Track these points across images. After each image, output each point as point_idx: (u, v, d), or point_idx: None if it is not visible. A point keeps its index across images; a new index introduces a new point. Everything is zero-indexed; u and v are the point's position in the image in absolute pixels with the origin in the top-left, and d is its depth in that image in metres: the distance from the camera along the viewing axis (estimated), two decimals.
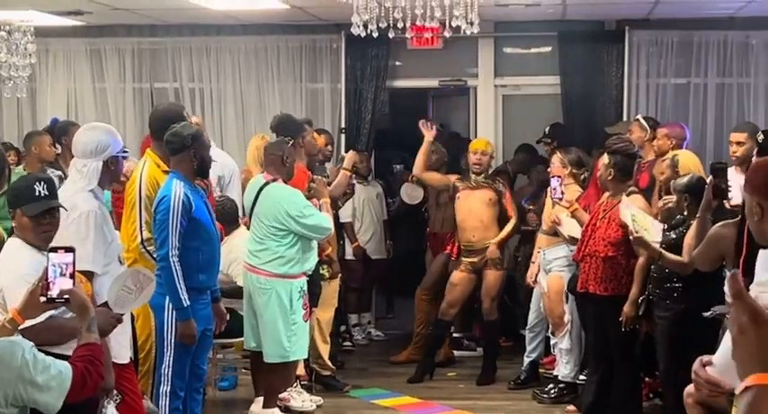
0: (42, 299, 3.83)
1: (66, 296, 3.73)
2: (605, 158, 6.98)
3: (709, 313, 5.64)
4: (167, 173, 6.02)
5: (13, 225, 4.52)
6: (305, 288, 7.03)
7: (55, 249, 3.82)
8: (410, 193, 9.61)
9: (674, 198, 6.44)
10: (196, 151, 5.90)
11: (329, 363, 8.09)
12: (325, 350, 8.03)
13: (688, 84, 9.86)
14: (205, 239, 5.94)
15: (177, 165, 5.93)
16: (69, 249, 3.81)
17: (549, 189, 7.45)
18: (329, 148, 8.22)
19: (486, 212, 8.36)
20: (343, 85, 10.01)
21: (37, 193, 4.42)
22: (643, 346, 6.91)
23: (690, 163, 6.78)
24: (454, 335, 9.26)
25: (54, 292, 3.76)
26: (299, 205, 6.95)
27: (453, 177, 8.57)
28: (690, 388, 5.82)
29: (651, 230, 6.36)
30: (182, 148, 5.89)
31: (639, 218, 6.42)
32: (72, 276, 3.76)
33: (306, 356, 7.30)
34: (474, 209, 8.36)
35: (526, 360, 8.29)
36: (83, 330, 3.54)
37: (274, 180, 7.05)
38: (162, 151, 6.10)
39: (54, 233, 4.45)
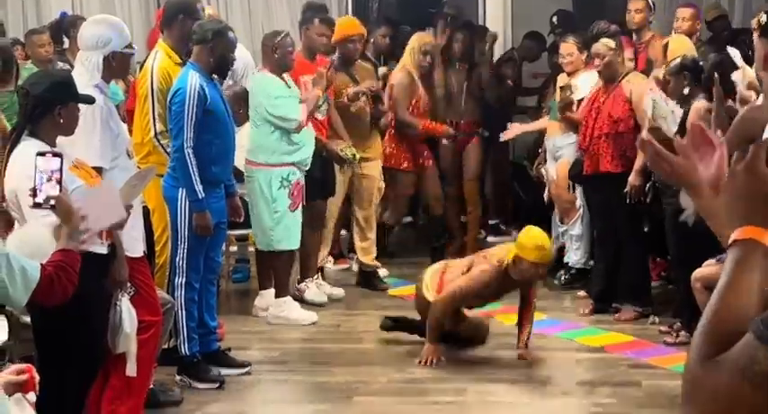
0: (29, 204, 3.80)
1: (52, 202, 3.70)
2: (610, 43, 6.97)
3: (683, 216, 5.66)
4: (179, 65, 6.05)
5: (57, 121, 4.39)
6: (290, 178, 7.02)
7: (42, 153, 3.76)
8: None
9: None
10: (215, 47, 5.92)
11: (367, 260, 8.04)
12: (362, 249, 8.04)
13: None
14: (219, 132, 5.94)
15: (196, 56, 5.98)
16: (57, 154, 3.75)
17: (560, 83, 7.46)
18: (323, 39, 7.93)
19: None
20: None
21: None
22: (652, 227, 6.95)
23: (681, 49, 6.75)
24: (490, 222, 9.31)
25: (40, 198, 3.71)
26: (272, 94, 6.98)
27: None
28: (698, 272, 5.86)
29: (669, 118, 6.34)
30: (202, 40, 5.93)
31: (660, 105, 6.41)
32: (59, 182, 3.70)
33: (294, 247, 7.22)
34: None
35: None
36: (63, 237, 3.54)
37: (260, 70, 7.11)
38: (174, 40, 6.11)
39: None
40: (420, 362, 6.15)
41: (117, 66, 5.15)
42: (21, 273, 3.20)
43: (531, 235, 6.12)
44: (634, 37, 8.12)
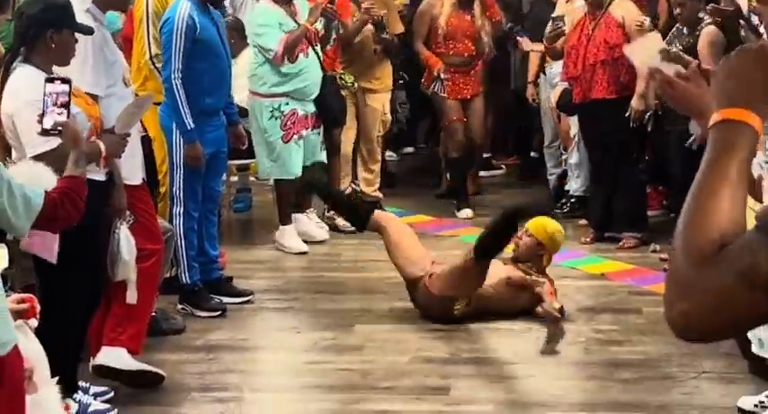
0: (37, 130, 3.80)
1: (59, 128, 3.70)
2: None
3: (689, 142, 5.68)
4: None
5: (50, 46, 4.35)
6: (282, 109, 7.01)
7: (51, 79, 3.76)
8: None
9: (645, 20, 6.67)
10: None
11: (369, 191, 7.96)
12: (364, 179, 8.00)
13: None
14: (212, 62, 5.92)
15: None
16: (65, 80, 3.75)
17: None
18: None
19: None
20: None
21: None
22: (654, 155, 6.96)
23: None
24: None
25: (47, 124, 3.73)
26: (259, 23, 7.04)
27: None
28: None
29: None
30: None
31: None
32: (67, 107, 3.70)
33: (289, 177, 7.17)
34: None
35: (551, 179, 8.31)
36: (69, 163, 3.53)
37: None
38: None
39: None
40: None
41: None
42: (22, 199, 3.18)
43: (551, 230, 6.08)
44: None
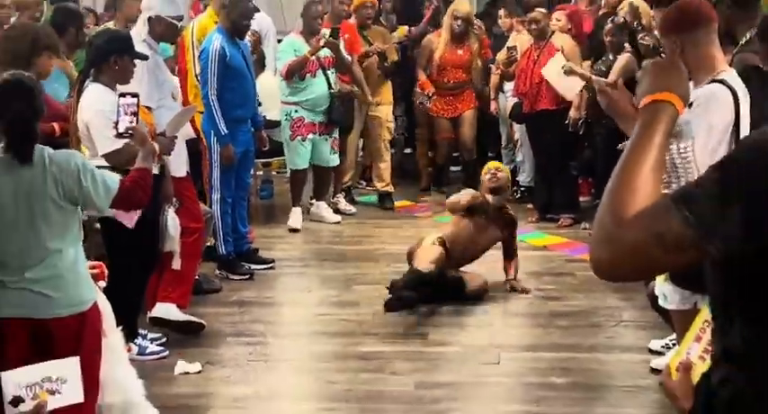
0: (113, 133, 3.79)
1: (130, 132, 3.68)
2: (543, 10, 7.13)
3: (621, 146, 5.60)
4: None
5: (114, 69, 4.31)
6: (292, 114, 6.93)
7: (123, 94, 3.75)
8: None
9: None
10: (230, 13, 5.84)
11: (380, 186, 7.76)
12: (376, 175, 7.82)
13: None
14: (240, 82, 5.89)
15: (220, 20, 5.97)
16: (134, 95, 3.74)
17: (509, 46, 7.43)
18: (344, 7, 7.52)
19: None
20: None
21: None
22: (584, 153, 6.98)
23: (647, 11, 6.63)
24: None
25: (121, 129, 3.74)
26: (279, 49, 7.05)
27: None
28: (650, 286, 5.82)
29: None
30: (221, 7, 5.93)
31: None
32: (135, 115, 3.68)
33: (298, 168, 7.05)
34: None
35: None
36: (139, 158, 3.51)
37: (293, 32, 7.11)
38: (218, 6, 6.04)
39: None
40: None
41: (160, 29, 4.99)
42: (102, 184, 3.17)
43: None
44: (585, 3, 8.02)
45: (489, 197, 5.67)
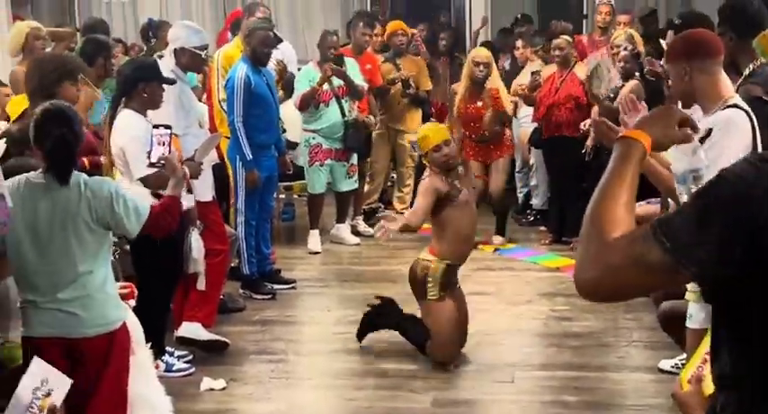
0: (146, 162, 3.89)
1: (162, 162, 3.78)
2: (568, 38, 7.08)
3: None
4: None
5: (142, 96, 4.42)
6: (310, 141, 7.03)
7: (157, 126, 3.84)
8: None
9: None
10: (250, 42, 5.93)
11: (399, 207, 7.94)
12: (398, 197, 8.08)
13: None
14: (264, 109, 5.97)
15: (244, 49, 6.04)
16: (167, 126, 3.83)
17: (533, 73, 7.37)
18: (366, 38, 7.51)
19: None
20: None
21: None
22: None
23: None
24: None
25: (154, 158, 3.83)
26: (296, 80, 7.04)
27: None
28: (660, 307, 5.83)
29: (604, 82, 6.35)
30: (243, 38, 6.01)
31: (602, 69, 6.45)
32: (168, 146, 3.77)
33: (315, 192, 7.13)
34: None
35: (519, 196, 8.25)
36: (169, 187, 3.60)
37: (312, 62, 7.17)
38: (243, 36, 6.18)
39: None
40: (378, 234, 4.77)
41: (185, 59, 5.13)
42: (134, 210, 3.24)
43: (424, 131, 4.94)
44: (598, 34, 8.05)
45: (442, 179, 4.78)
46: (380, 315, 5.05)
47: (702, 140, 3.03)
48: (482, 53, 7.20)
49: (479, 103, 7.09)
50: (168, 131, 3.83)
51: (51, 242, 3.14)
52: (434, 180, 4.76)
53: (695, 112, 3.23)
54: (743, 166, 1.50)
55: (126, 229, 3.27)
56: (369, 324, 5.07)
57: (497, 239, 7.25)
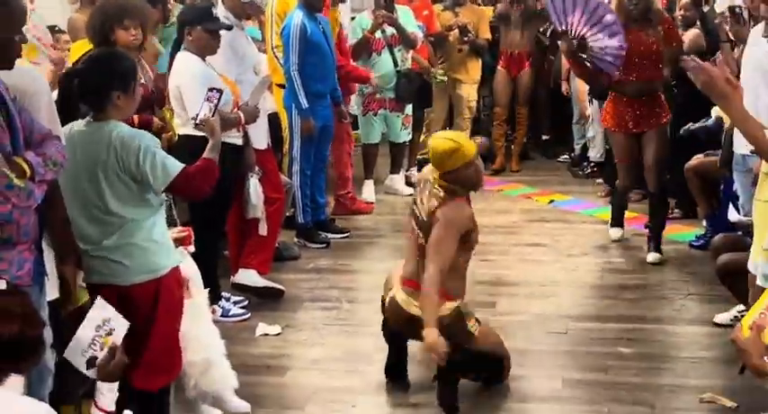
0: (192, 121, 3.82)
1: (203, 123, 3.67)
2: None
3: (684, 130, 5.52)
4: None
5: (189, 39, 4.45)
6: (364, 91, 6.94)
7: (211, 89, 3.75)
8: None
9: None
10: None
11: None
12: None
13: None
14: (320, 57, 5.88)
15: None
16: (219, 90, 3.75)
17: None
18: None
19: None
20: None
21: (215, 16, 4.51)
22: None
23: None
24: None
25: (198, 119, 3.72)
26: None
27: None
28: (689, 163, 5.69)
29: None
30: None
31: None
32: (215, 108, 3.66)
33: (368, 142, 7.11)
34: None
35: (576, 147, 8.07)
36: (207, 149, 3.39)
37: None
38: None
39: None
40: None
41: (230, 4, 5.04)
42: (162, 167, 3.12)
43: (442, 142, 3.84)
44: None
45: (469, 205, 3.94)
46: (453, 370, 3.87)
47: None
48: None
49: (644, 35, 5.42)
50: (218, 94, 3.74)
51: (87, 190, 3.12)
52: (465, 209, 3.80)
53: None
54: None
55: (150, 185, 3.15)
56: (452, 383, 3.92)
57: (615, 233, 6.15)
